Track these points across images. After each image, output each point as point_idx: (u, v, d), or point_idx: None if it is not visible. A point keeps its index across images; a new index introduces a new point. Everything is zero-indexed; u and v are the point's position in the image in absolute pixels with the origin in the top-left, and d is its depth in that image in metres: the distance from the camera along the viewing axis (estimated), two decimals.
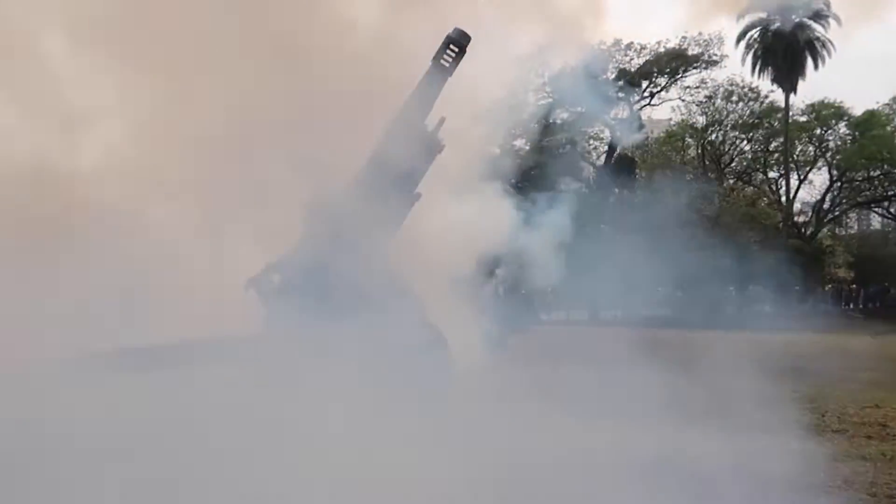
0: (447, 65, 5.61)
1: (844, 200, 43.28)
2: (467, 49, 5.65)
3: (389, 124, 5.78)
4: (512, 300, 21.78)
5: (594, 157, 41.69)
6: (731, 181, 41.22)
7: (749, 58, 40.59)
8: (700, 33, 37.47)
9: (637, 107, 39.25)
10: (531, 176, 36.19)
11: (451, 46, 5.59)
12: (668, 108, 41.33)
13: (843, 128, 40.81)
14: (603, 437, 5.58)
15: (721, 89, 39.31)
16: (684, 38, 37.34)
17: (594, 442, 5.36)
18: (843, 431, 5.98)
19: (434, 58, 5.61)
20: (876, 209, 47.16)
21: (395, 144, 5.80)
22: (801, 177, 43.23)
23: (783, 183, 42.36)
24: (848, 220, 49.85)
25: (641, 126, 41.46)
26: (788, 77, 38.97)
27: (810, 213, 44.83)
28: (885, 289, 51.53)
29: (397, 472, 4.00)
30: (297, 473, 4.00)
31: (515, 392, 6.78)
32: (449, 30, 5.80)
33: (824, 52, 39.90)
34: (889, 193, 41.66)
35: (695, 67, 37.96)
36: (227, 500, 3.73)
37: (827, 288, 51.64)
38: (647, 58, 37.45)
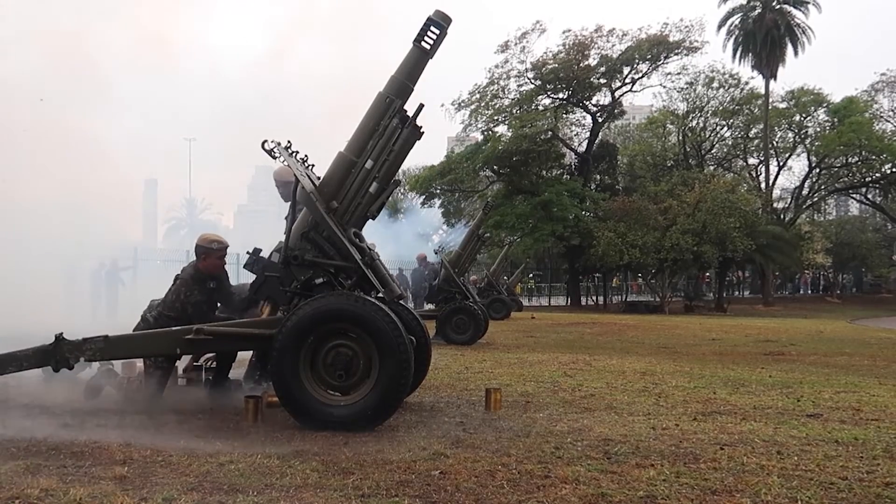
0: (428, 47, 5.49)
1: (823, 187, 43.70)
2: (448, 31, 5.52)
3: (369, 108, 5.64)
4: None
5: (576, 144, 41.70)
6: (712, 167, 41.40)
7: (730, 44, 40.79)
8: (681, 19, 37.45)
9: (619, 93, 39.26)
10: (513, 162, 36.23)
11: (432, 28, 5.46)
12: (650, 94, 41.47)
13: (822, 114, 41.14)
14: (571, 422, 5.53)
15: (702, 76, 39.47)
16: (666, 24, 37.34)
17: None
18: (818, 416, 5.96)
19: (415, 40, 5.48)
20: (854, 195, 47.68)
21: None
22: (781, 163, 43.63)
23: (763, 169, 42.69)
24: (826, 207, 50.38)
25: (623, 112, 41.51)
26: (768, 64, 39.14)
27: (789, 200, 45.24)
28: (862, 274, 52.21)
29: None
30: None
31: None
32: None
33: (804, 39, 40.12)
34: (867, 180, 42.09)
35: (676, 54, 37.96)
36: None
37: (805, 273, 52.23)
38: (629, 44, 37.38)
